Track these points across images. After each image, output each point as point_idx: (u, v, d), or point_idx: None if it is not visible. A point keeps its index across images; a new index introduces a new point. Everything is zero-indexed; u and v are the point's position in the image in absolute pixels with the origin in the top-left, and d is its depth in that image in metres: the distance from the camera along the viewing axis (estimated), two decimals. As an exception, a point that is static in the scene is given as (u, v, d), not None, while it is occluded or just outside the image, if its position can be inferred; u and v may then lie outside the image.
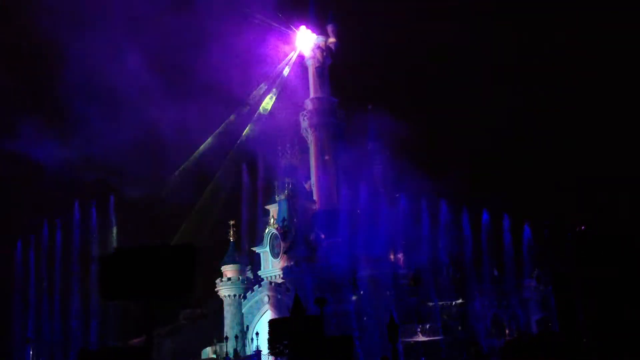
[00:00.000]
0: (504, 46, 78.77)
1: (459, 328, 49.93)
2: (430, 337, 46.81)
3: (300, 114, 59.42)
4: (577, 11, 74.66)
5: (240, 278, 54.86)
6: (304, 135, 59.95)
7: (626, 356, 35.12)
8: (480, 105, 77.92)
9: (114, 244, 50.07)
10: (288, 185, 55.60)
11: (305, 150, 60.06)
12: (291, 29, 60.53)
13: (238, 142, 58.48)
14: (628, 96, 72.17)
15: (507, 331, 50.64)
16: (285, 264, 52.81)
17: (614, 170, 64.53)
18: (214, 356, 52.27)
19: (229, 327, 53.57)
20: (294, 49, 60.95)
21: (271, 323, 42.64)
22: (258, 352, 47.46)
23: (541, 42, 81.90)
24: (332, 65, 61.94)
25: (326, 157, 58.49)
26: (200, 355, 52.63)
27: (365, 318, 48.68)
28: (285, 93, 57.95)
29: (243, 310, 53.69)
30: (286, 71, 60.09)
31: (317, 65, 60.73)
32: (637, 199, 54.94)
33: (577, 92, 73.45)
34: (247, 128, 57.89)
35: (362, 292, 49.45)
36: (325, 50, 61.45)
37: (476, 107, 77.33)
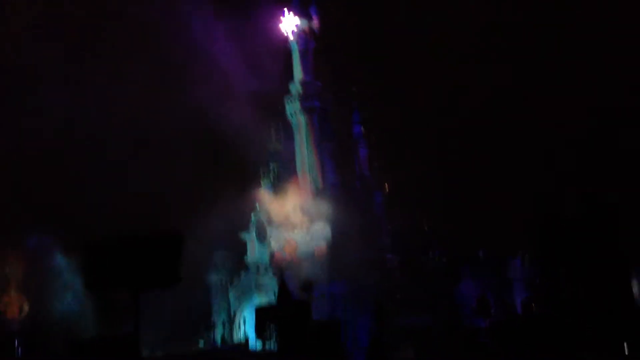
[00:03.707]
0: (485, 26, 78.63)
1: (446, 310, 50.17)
2: (418, 319, 46.96)
3: (285, 97, 58.92)
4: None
5: (227, 264, 54.64)
6: (288, 119, 59.51)
7: (608, 337, 35.57)
8: (461, 83, 77.88)
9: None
10: (273, 169, 55.28)
11: (290, 134, 59.67)
12: (274, 12, 59.95)
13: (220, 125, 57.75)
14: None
15: (492, 312, 50.90)
16: (272, 250, 52.63)
17: (604, 153, 64.81)
18: (202, 341, 52.20)
19: (217, 314, 53.41)
20: (277, 32, 60.33)
21: (258, 310, 42.50)
22: (246, 340, 47.38)
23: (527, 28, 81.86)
24: (315, 49, 61.40)
25: (311, 141, 58.12)
26: (190, 341, 52.43)
27: (353, 301, 48.71)
28: (269, 76, 57.37)
29: (230, 297, 53.51)
30: (270, 54, 59.58)
31: (300, 48, 60.20)
32: (626, 181, 55.30)
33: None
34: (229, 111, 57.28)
35: (350, 276, 49.44)
36: (308, 34, 60.88)
37: (458, 86, 77.36)
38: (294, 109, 58.47)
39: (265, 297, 49.67)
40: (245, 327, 49.32)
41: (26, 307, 50.12)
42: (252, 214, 55.72)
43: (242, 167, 58.23)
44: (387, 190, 61.76)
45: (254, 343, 44.25)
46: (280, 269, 49.91)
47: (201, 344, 52.37)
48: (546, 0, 78.26)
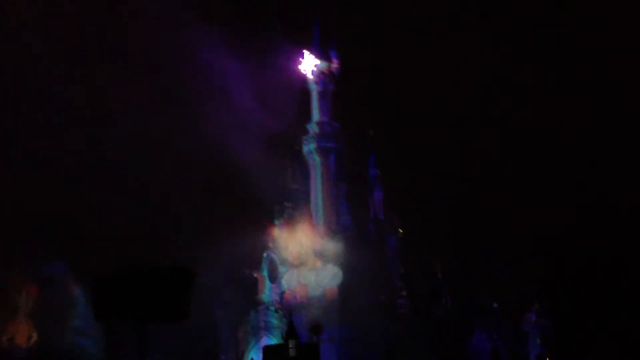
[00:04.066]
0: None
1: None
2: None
3: (303, 137, 59.21)
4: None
5: (237, 302, 54.14)
6: (305, 159, 59.62)
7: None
8: (481, 123, 77.99)
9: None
10: (288, 209, 55.14)
11: (305, 174, 59.67)
12: (294, 53, 60.71)
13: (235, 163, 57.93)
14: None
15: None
16: (283, 289, 52.12)
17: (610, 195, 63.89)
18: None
19: (224, 352, 52.69)
20: (297, 73, 60.97)
21: (265, 349, 41.83)
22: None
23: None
24: (334, 91, 61.93)
25: (327, 182, 58.07)
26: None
27: (362, 346, 47.83)
28: (287, 115, 57.77)
29: (238, 336, 52.81)
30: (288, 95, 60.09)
31: (320, 90, 60.74)
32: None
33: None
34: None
35: (360, 320, 48.65)
36: (328, 76, 61.47)
37: (477, 126, 77.46)
38: (310, 149, 58.65)
39: (274, 338, 48.94)
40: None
41: (35, 336, 49.78)
42: (265, 253, 55.38)
43: (256, 205, 58.11)
44: (401, 234, 61.30)
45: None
46: (289, 309, 49.27)
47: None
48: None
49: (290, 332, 42.22)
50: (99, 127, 61.72)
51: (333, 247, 53.90)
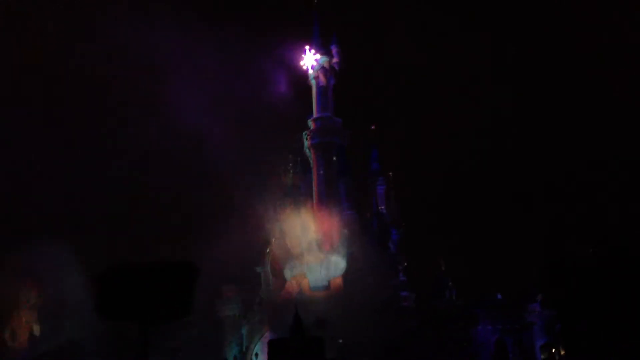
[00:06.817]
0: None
1: (463, 353, 49.06)
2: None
3: (304, 133, 59.11)
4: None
5: (240, 298, 54.13)
6: (307, 154, 59.58)
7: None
8: (479, 125, 78.05)
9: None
10: (291, 204, 55.12)
11: (308, 169, 59.64)
12: (297, 49, 60.61)
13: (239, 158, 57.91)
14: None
15: (510, 356, 49.71)
16: (285, 283, 52.15)
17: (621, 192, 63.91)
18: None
19: (228, 349, 52.71)
20: (299, 69, 60.84)
21: (270, 344, 41.77)
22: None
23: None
24: (335, 85, 61.83)
25: (329, 177, 57.99)
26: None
27: (367, 341, 47.79)
28: (288, 111, 57.66)
29: (242, 331, 52.84)
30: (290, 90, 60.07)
31: (320, 85, 60.59)
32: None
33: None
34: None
35: (364, 314, 48.62)
36: (329, 71, 61.33)
37: (476, 128, 77.55)
38: (312, 145, 58.57)
39: (279, 332, 48.91)
40: (257, 363, 48.58)
41: (36, 330, 49.68)
42: (268, 248, 55.38)
43: (259, 201, 58.08)
44: (404, 228, 61.29)
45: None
46: (294, 303, 49.24)
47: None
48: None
49: (296, 325, 42.18)
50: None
51: (336, 240, 53.91)
